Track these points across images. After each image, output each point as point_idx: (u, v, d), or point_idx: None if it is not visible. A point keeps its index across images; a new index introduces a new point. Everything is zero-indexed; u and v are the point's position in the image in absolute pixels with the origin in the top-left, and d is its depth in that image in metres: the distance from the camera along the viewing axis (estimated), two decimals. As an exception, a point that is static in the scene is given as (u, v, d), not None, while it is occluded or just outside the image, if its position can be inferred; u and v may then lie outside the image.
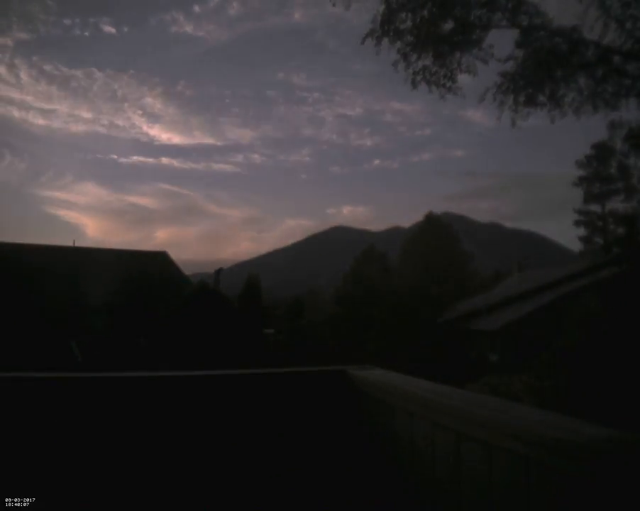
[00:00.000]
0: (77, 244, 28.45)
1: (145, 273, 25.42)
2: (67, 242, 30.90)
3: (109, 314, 21.01)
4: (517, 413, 1.56)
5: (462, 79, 9.61)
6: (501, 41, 9.70)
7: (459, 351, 23.27)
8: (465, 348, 24.19)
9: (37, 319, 19.11)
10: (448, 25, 9.41)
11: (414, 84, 9.63)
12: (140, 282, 23.89)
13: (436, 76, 9.55)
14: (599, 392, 8.66)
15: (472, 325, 25.68)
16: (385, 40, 9.34)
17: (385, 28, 9.28)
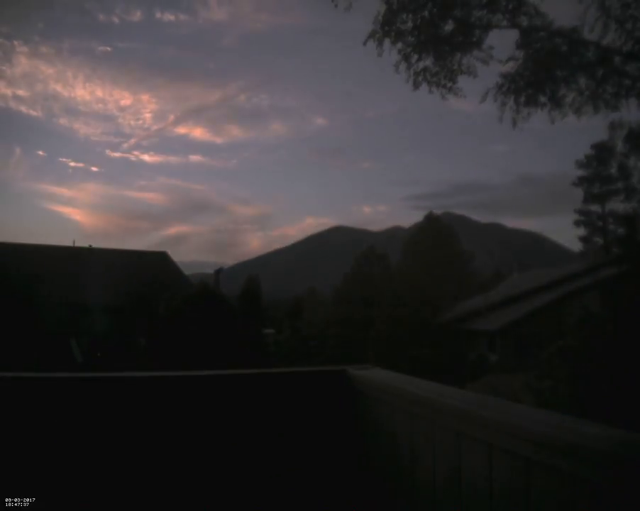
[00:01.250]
0: (79, 244, 28.49)
1: (145, 273, 25.44)
2: (68, 242, 30.88)
3: (109, 313, 21.03)
4: (517, 413, 1.56)
5: (464, 79, 9.61)
6: (502, 42, 9.71)
7: (459, 351, 23.29)
8: (465, 348, 24.21)
9: (37, 319, 19.12)
10: (449, 26, 9.42)
11: (415, 85, 9.64)
12: (140, 282, 23.90)
13: (436, 77, 9.55)
14: (600, 392, 8.67)
15: (472, 325, 25.70)
16: (387, 41, 9.34)
17: (386, 29, 9.28)
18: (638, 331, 9.59)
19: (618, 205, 34.18)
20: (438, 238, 42.07)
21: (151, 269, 26.42)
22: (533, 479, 1.35)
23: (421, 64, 9.54)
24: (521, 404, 1.75)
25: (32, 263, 22.82)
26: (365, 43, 9.47)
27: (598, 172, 35.50)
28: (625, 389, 8.41)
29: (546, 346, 12.49)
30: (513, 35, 9.44)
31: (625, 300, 11.94)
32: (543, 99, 9.56)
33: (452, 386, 2.04)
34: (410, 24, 9.28)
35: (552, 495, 1.31)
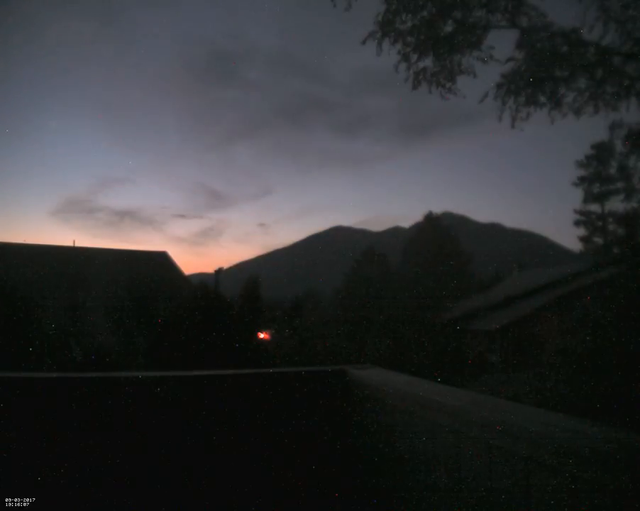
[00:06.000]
0: (78, 244, 28.49)
1: (145, 273, 25.42)
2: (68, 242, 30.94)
3: (109, 313, 21.03)
4: (518, 413, 1.56)
5: (465, 79, 9.62)
6: (502, 42, 9.71)
7: (459, 351, 23.29)
8: (465, 348, 24.21)
9: (36, 319, 19.12)
10: (449, 27, 9.43)
11: (414, 85, 9.66)
12: (139, 282, 23.89)
13: (436, 77, 9.57)
14: (601, 392, 8.67)
15: (472, 325, 25.69)
16: (386, 41, 9.36)
17: (386, 29, 9.30)
18: (637, 331, 9.60)
19: (618, 205, 34.21)
20: (438, 238, 42.11)
21: (151, 269, 26.41)
22: (533, 479, 1.35)
23: (420, 64, 9.56)
24: (520, 403, 1.75)
25: (31, 263, 22.85)
26: (363, 43, 9.49)
27: (598, 172, 35.53)
28: (625, 390, 8.41)
29: (546, 346, 12.49)
30: (513, 35, 9.45)
31: (625, 300, 11.94)
32: (542, 98, 9.57)
33: (451, 386, 2.04)
34: (409, 24, 9.29)
35: (552, 495, 1.31)
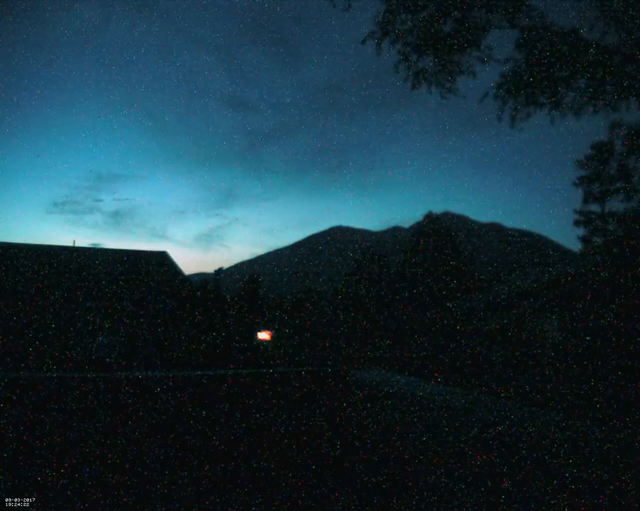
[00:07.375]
0: (78, 244, 28.49)
1: (145, 273, 25.45)
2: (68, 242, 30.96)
3: (109, 313, 21.06)
4: (518, 413, 1.56)
5: (466, 79, 9.61)
6: (502, 42, 9.71)
7: (459, 351, 23.34)
8: (464, 348, 24.26)
9: (36, 319, 19.13)
10: (448, 27, 9.43)
11: (414, 85, 9.66)
12: (139, 282, 23.92)
13: (436, 77, 9.58)
14: (600, 389, 8.68)
15: (472, 325, 25.74)
16: (386, 41, 9.35)
17: (385, 29, 9.30)
18: (636, 330, 9.61)
19: (618, 205, 34.27)
20: (438, 238, 42.17)
21: (151, 269, 26.42)
22: (533, 479, 1.36)
23: (420, 65, 9.56)
24: (520, 403, 1.75)
25: (31, 263, 22.86)
26: (363, 43, 9.49)
27: (598, 172, 35.58)
28: (624, 385, 8.42)
29: (546, 346, 12.49)
30: (513, 35, 9.46)
31: (623, 300, 11.95)
32: (542, 99, 9.58)
33: (451, 385, 2.04)
34: (410, 24, 9.29)
35: (552, 495, 1.31)
